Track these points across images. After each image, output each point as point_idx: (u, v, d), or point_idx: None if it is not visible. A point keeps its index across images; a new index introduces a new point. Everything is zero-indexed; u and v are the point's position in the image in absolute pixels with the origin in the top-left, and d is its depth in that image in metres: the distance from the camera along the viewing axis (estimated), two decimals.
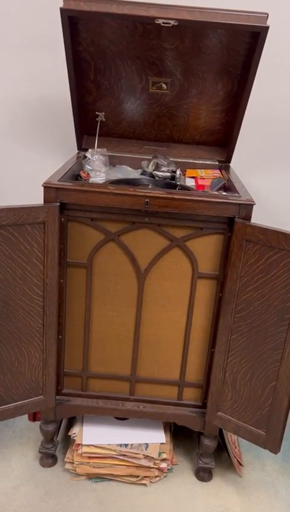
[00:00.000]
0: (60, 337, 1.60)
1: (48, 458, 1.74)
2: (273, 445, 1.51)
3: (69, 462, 1.70)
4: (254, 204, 1.40)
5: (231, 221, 1.43)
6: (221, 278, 1.50)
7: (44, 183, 1.41)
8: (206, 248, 1.48)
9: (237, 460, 1.80)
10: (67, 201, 1.42)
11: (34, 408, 1.61)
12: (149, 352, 1.62)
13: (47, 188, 1.40)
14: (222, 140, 1.90)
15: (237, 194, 1.48)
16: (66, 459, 1.71)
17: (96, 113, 1.80)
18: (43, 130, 2.09)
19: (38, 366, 1.56)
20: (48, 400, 1.62)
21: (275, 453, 1.53)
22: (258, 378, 1.49)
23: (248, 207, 1.40)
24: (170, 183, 1.66)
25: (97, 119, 1.83)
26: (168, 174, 1.66)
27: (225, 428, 1.65)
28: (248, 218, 1.40)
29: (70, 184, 1.43)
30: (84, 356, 1.63)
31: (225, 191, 1.71)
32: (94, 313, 1.57)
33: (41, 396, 1.60)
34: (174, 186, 1.65)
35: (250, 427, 1.54)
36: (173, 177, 1.64)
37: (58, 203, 1.41)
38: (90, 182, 1.71)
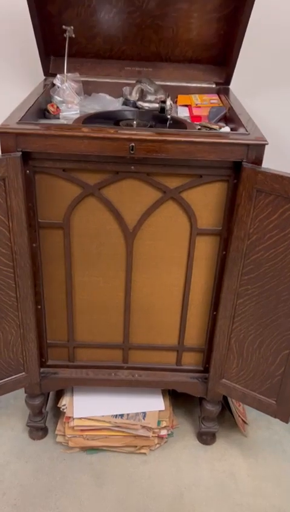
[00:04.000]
0: (39, 307, 1.37)
1: (38, 431, 1.59)
2: (284, 414, 1.37)
3: (61, 435, 1.56)
4: (267, 144, 1.12)
5: (237, 166, 1.16)
6: (224, 233, 1.26)
7: None
8: (207, 199, 1.22)
9: (241, 419, 1.68)
10: (31, 149, 1.13)
11: (15, 386, 1.43)
12: (142, 319, 1.41)
13: (3, 134, 1.10)
14: (220, 56, 1.56)
15: (244, 131, 1.18)
16: (57, 432, 1.57)
17: (64, 27, 1.43)
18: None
19: (16, 342, 1.35)
20: (32, 376, 1.43)
21: (286, 422, 1.39)
22: (269, 346, 1.30)
23: (259, 148, 1.12)
24: (159, 117, 1.35)
25: (65, 35, 1.47)
26: (156, 104, 1.34)
27: (230, 396, 1.49)
28: (259, 162, 1.13)
29: (32, 127, 1.13)
30: (68, 326, 1.42)
31: (226, 123, 1.41)
32: (76, 279, 1.34)
33: (23, 373, 1.42)
34: (165, 121, 1.34)
35: (259, 396, 1.38)
36: (162, 109, 1.32)
37: (20, 153, 1.11)
38: (60, 117, 1.39)
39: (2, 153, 1.11)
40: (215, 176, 1.18)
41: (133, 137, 1.11)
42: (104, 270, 1.33)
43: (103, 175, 1.18)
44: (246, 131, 1.17)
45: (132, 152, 1.12)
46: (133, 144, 1.11)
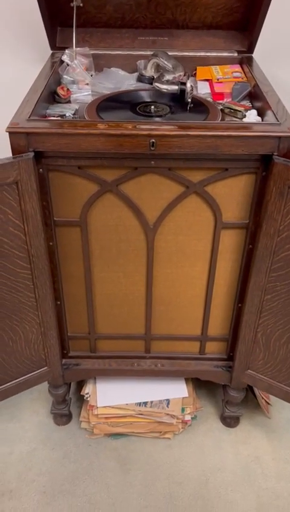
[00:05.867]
0: (58, 302, 1.34)
1: (62, 417, 1.61)
2: None
3: (85, 421, 1.57)
4: None
5: (267, 157, 1.06)
6: (251, 226, 1.18)
7: (8, 126, 1.02)
8: (232, 192, 1.14)
9: (265, 400, 1.67)
10: (43, 149, 1.04)
11: (39, 381, 1.42)
12: (164, 311, 1.37)
13: (13, 133, 1.01)
14: (243, 21, 1.41)
15: (273, 117, 1.08)
16: (81, 419, 1.58)
17: None
18: (2, 25, 1.57)
19: (37, 340, 1.33)
20: (54, 370, 1.42)
21: None
22: None
23: None
24: (179, 98, 1.24)
25: (72, 4, 1.34)
26: (175, 86, 1.22)
27: (256, 386, 1.47)
28: None
29: (44, 125, 1.03)
30: (89, 319, 1.39)
31: (251, 101, 1.29)
32: (96, 275, 1.29)
33: (46, 367, 1.40)
34: (185, 102, 1.23)
35: (286, 388, 1.36)
36: (181, 91, 1.21)
37: (32, 153, 1.03)
38: (72, 100, 1.29)
39: (13, 153, 1.03)
40: (242, 168, 1.09)
41: (154, 132, 1.01)
42: (124, 266, 1.27)
43: (121, 171, 1.10)
44: (277, 119, 1.06)
45: (152, 148, 1.03)
46: (153, 140, 1.02)
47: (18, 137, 1.02)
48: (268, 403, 1.68)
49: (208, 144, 1.03)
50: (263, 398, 1.66)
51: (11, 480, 1.46)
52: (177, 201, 1.15)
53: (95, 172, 1.10)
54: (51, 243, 1.21)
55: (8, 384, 1.35)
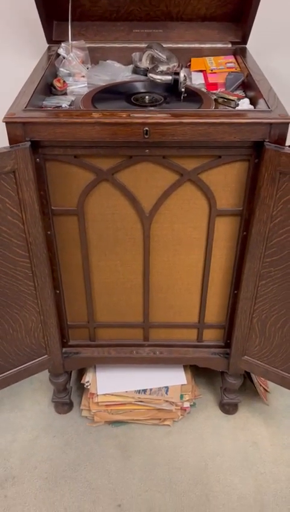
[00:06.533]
0: (58, 291, 1.36)
1: (63, 405, 1.63)
2: None
3: (86, 409, 1.60)
4: None
5: (259, 145, 1.09)
6: (245, 214, 1.21)
7: (5, 116, 1.04)
8: (226, 180, 1.16)
9: (263, 387, 1.69)
10: (39, 138, 1.07)
11: (39, 369, 1.45)
12: (162, 299, 1.40)
13: (10, 123, 1.04)
14: (236, 12, 1.43)
15: (264, 104, 1.10)
16: (82, 407, 1.61)
17: None
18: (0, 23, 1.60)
19: (37, 328, 1.35)
20: (54, 358, 1.45)
21: None
22: None
23: (282, 126, 1.05)
24: (173, 88, 1.26)
25: None
26: (169, 77, 1.25)
27: (253, 372, 1.50)
28: (282, 141, 1.06)
29: (40, 115, 1.06)
30: (88, 308, 1.41)
31: (244, 91, 1.31)
32: (93, 263, 1.32)
33: (46, 356, 1.43)
34: (179, 92, 1.25)
35: (282, 373, 1.38)
36: (175, 81, 1.23)
37: (29, 143, 1.06)
38: (68, 92, 1.31)
39: (10, 143, 1.05)
40: (235, 155, 1.12)
41: (147, 121, 1.04)
42: (122, 254, 1.30)
43: (116, 160, 1.13)
44: (268, 106, 1.08)
45: (146, 136, 1.05)
46: (147, 128, 1.04)
47: (15, 127, 1.04)
48: (266, 390, 1.70)
49: (200, 132, 1.05)
50: (261, 385, 1.68)
51: (14, 466, 1.49)
52: (172, 189, 1.17)
53: (91, 161, 1.13)
54: (48, 232, 1.23)
55: (9, 372, 1.38)
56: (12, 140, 1.05)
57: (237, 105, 1.21)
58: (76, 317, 1.44)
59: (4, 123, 1.05)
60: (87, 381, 1.58)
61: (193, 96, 1.25)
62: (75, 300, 1.39)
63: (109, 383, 1.56)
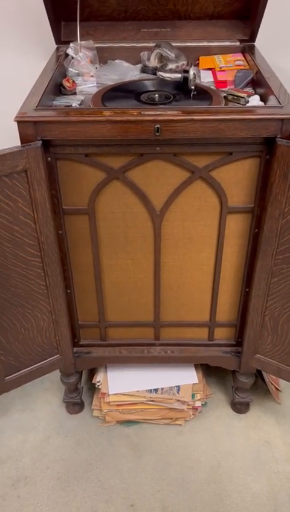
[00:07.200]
0: (69, 291, 1.36)
1: (75, 406, 1.63)
2: None
3: (97, 409, 1.60)
4: None
5: (270, 140, 1.08)
6: (257, 211, 1.20)
7: (16, 116, 1.05)
8: (237, 177, 1.16)
9: (274, 386, 1.68)
10: (50, 137, 1.07)
11: (50, 369, 1.45)
12: (173, 298, 1.39)
13: (22, 122, 1.04)
14: (244, 10, 1.43)
15: (276, 101, 1.10)
16: (93, 407, 1.61)
17: None
18: (8, 22, 1.60)
19: (49, 328, 1.35)
20: (66, 358, 1.45)
21: None
22: None
23: None
24: (183, 86, 1.26)
25: None
26: (178, 75, 1.25)
27: (265, 370, 1.49)
28: None
29: (51, 114, 1.06)
30: (99, 307, 1.41)
31: (254, 88, 1.31)
32: (104, 262, 1.32)
33: (57, 355, 1.43)
34: (188, 90, 1.25)
35: None
36: (185, 79, 1.23)
37: (40, 142, 1.06)
38: (77, 91, 1.31)
39: (21, 142, 1.05)
40: (246, 152, 1.11)
41: (158, 118, 1.04)
42: (133, 253, 1.29)
43: (127, 158, 1.13)
44: (279, 102, 1.08)
45: (157, 134, 1.05)
46: (158, 126, 1.04)
47: (26, 126, 1.04)
48: (278, 389, 1.70)
49: (212, 128, 1.05)
50: (272, 384, 1.67)
51: (26, 467, 1.49)
52: (183, 186, 1.17)
53: (102, 160, 1.13)
54: (60, 231, 1.23)
55: (21, 371, 1.38)
56: (24, 139, 1.05)
57: (247, 102, 1.20)
58: (87, 316, 1.44)
59: (15, 123, 1.05)
60: (98, 381, 1.58)
61: (203, 93, 1.25)
62: (86, 299, 1.39)
63: (120, 382, 1.56)
